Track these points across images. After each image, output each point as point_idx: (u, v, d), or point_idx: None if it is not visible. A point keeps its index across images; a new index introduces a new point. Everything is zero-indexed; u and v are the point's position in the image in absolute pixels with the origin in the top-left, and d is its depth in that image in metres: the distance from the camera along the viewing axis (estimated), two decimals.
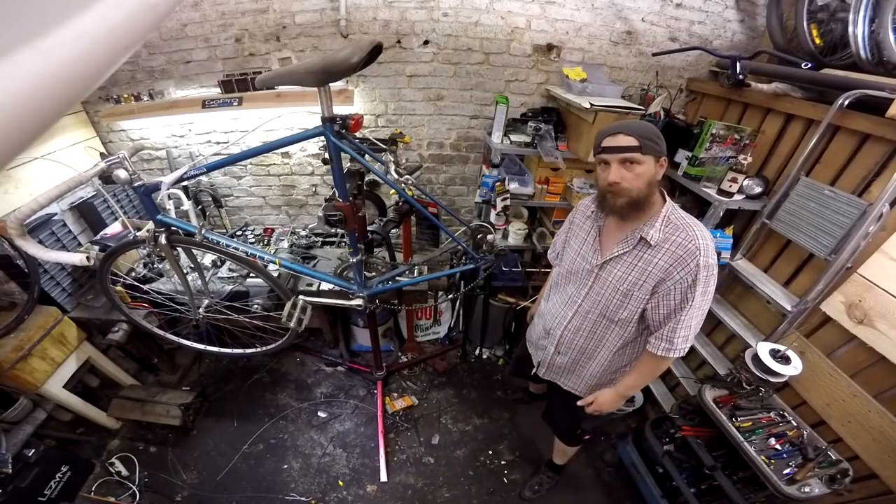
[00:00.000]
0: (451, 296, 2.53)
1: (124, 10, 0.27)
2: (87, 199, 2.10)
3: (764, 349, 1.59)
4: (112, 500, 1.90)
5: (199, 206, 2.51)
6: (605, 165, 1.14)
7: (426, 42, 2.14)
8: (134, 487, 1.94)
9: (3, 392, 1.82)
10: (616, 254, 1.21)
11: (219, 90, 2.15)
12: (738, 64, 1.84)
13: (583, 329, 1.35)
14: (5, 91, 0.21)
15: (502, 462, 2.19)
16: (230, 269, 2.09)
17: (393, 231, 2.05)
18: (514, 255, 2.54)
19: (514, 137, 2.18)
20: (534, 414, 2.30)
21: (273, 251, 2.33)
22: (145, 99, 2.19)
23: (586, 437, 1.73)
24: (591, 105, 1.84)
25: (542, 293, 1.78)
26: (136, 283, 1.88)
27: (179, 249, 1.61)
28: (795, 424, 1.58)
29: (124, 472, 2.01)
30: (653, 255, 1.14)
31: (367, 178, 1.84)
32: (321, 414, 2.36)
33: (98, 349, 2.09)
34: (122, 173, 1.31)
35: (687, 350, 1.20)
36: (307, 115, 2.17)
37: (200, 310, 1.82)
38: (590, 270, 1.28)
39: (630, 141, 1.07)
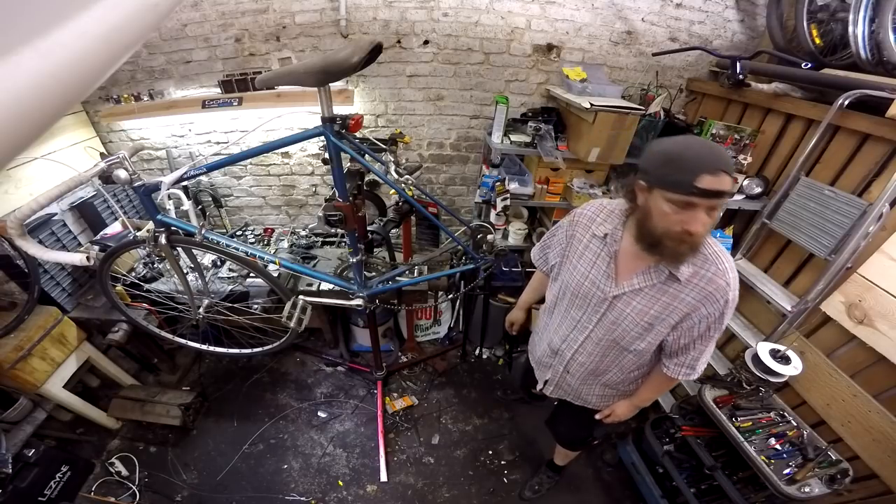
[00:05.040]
0: (451, 296, 2.53)
1: (124, 10, 0.27)
2: (87, 199, 2.10)
3: (764, 349, 1.59)
4: (112, 500, 1.90)
5: (199, 206, 2.50)
6: (682, 207, 0.88)
7: (426, 42, 2.14)
8: (134, 487, 1.95)
9: (3, 392, 1.82)
10: (636, 287, 1.08)
11: (219, 90, 2.15)
12: (738, 64, 1.84)
13: (595, 354, 1.26)
14: (5, 91, 0.21)
15: (502, 462, 2.19)
16: (230, 269, 2.09)
17: (393, 231, 2.05)
18: (513, 255, 2.54)
19: (514, 137, 2.18)
20: (534, 414, 2.30)
21: (273, 251, 2.33)
22: (145, 99, 2.19)
23: (595, 442, 1.71)
24: (591, 105, 1.84)
25: (524, 299, 1.68)
26: (137, 282, 1.88)
27: (179, 249, 1.61)
28: (795, 424, 1.58)
29: (124, 472, 2.01)
30: (679, 289, 1.04)
31: (367, 178, 1.84)
32: (321, 414, 2.36)
33: (98, 349, 2.09)
34: (122, 173, 1.31)
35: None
36: (307, 115, 2.17)
37: (200, 310, 1.81)
38: (602, 299, 1.14)
39: (730, 184, 0.85)
